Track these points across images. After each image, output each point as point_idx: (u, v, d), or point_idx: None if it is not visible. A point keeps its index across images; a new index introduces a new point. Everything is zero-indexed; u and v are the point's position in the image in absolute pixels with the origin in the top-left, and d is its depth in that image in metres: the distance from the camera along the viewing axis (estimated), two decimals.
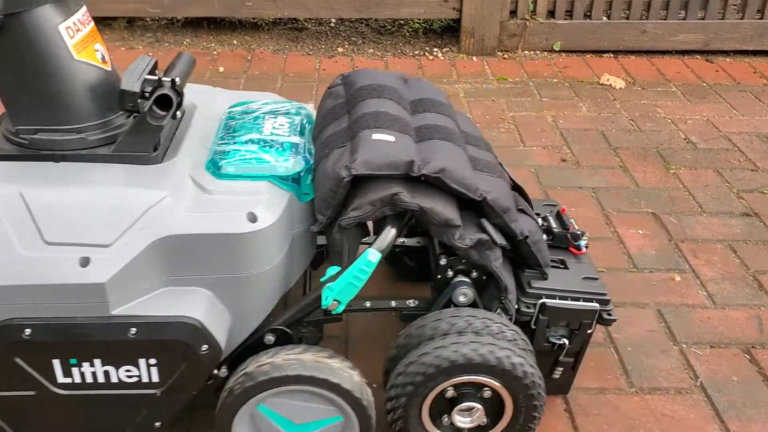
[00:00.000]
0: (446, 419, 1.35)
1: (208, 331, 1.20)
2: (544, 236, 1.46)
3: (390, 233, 1.26)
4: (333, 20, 3.67)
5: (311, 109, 1.56)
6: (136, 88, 1.20)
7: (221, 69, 3.20)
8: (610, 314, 1.40)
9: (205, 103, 1.49)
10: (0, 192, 1.18)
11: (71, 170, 1.24)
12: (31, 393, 1.24)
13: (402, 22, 3.67)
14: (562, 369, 1.46)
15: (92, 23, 1.31)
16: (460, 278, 1.38)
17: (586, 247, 1.50)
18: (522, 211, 1.42)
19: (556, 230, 1.50)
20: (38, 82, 1.22)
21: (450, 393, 1.32)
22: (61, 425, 1.30)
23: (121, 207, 1.18)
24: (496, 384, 1.29)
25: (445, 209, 1.27)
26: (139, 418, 1.28)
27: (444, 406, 1.34)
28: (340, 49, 3.45)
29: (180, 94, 1.23)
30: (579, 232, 1.49)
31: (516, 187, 1.48)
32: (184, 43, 3.44)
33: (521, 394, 1.30)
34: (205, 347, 1.20)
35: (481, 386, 1.31)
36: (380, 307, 1.48)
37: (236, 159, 1.30)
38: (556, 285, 1.41)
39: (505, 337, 1.31)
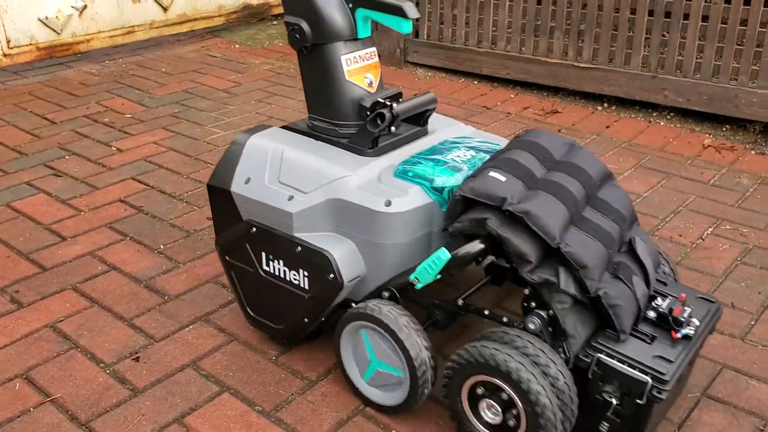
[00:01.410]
0: (479, 407, 1.59)
1: (338, 267, 1.69)
2: (650, 312, 1.59)
3: (473, 247, 1.57)
4: None
5: None
6: (368, 104, 1.81)
7: None
8: (659, 393, 1.45)
9: (442, 131, 1.98)
10: (275, 146, 1.83)
11: (318, 146, 1.84)
12: (250, 269, 1.89)
13: None
14: (608, 425, 1.54)
15: (374, 60, 1.89)
16: (537, 310, 1.58)
17: (687, 337, 1.55)
18: (619, 278, 1.56)
19: (661, 310, 1.58)
20: (321, 89, 1.85)
21: (480, 389, 1.56)
22: (258, 297, 1.93)
23: (324, 173, 1.74)
24: (513, 395, 1.49)
25: (522, 244, 1.51)
26: (295, 311, 1.84)
27: (478, 397, 1.58)
28: None
29: (394, 116, 1.76)
30: (682, 320, 1.56)
31: (644, 268, 1.63)
32: None
33: (532, 415, 1.47)
34: (332, 275, 1.70)
35: (503, 391, 1.51)
36: (490, 316, 1.75)
37: (412, 167, 1.75)
38: (623, 349, 1.51)
39: (543, 366, 1.47)
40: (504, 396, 1.52)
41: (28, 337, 2.02)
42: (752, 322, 2.10)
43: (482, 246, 1.56)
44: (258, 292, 1.90)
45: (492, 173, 1.60)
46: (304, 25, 1.78)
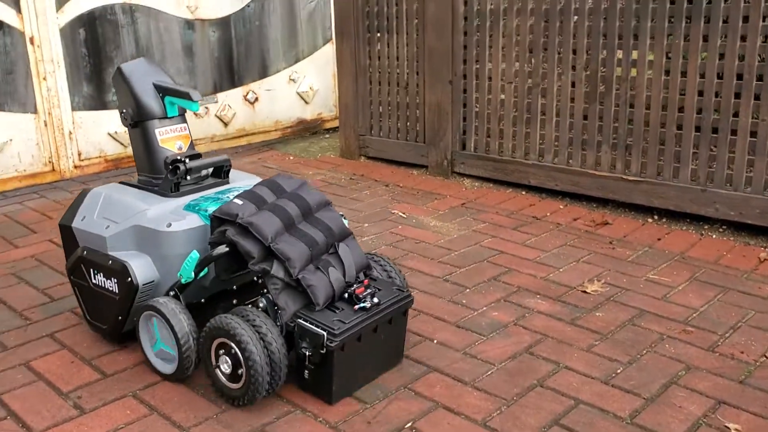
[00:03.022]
0: (220, 361, 2.17)
1: (133, 272, 2.32)
2: (343, 293, 2.24)
3: (220, 250, 2.19)
4: None
5: None
6: (169, 161, 2.44)
7: None
8: (330, 343, 2.06)
9: (238, 182, 2.61)
10: (107, 192, 2.52)
11: (136, 192, 2.51)
12: (85, 284, 2.51)
13: None
14: (307, 372, 2.18)
15: (184, 132, 2.58)
16: (265, 294, 2.20)
17: (363, 309, 2.19)
18: (319, 269, 2.20)
19: (349, 291, 2.23)
20: (142, 152, 2.54)
21: (221, 349, 2.15)
22: (92, 305, 2.54)
23: (130, 207, 2.41)
24: (237, 350, 2.08)
25: (248, 245, 2.15)
26: (112, 310, 2.44)
27: (218, 353, 2.18)
28: None
29: (187, 170, 2.41)
30: (361, 297, 2.22)
31: (342, 265, 2.27)
32: None
33: (248, 365, 2.06)
34: (129, 279, 2.32)
35: (232, 348, 2.11)
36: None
37: (199, 203, 2.40)
38: (315, 316, 2.13)
39: (258, 330, 2.08)
40: (233, 351, 2.10)
41: None
42: None
43: (227, 249, 2.17)
44: (91, 300, 2.51)
45: (235, 200, 2.25)
46: (130, 110, 2.51)
